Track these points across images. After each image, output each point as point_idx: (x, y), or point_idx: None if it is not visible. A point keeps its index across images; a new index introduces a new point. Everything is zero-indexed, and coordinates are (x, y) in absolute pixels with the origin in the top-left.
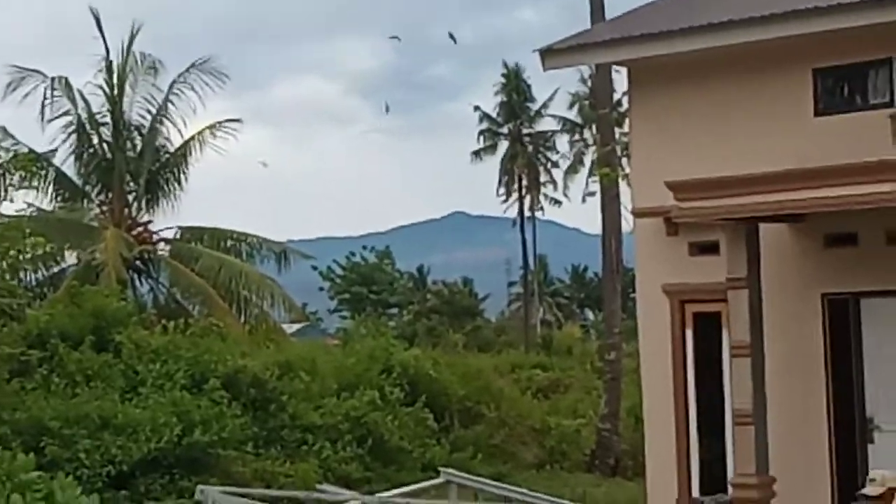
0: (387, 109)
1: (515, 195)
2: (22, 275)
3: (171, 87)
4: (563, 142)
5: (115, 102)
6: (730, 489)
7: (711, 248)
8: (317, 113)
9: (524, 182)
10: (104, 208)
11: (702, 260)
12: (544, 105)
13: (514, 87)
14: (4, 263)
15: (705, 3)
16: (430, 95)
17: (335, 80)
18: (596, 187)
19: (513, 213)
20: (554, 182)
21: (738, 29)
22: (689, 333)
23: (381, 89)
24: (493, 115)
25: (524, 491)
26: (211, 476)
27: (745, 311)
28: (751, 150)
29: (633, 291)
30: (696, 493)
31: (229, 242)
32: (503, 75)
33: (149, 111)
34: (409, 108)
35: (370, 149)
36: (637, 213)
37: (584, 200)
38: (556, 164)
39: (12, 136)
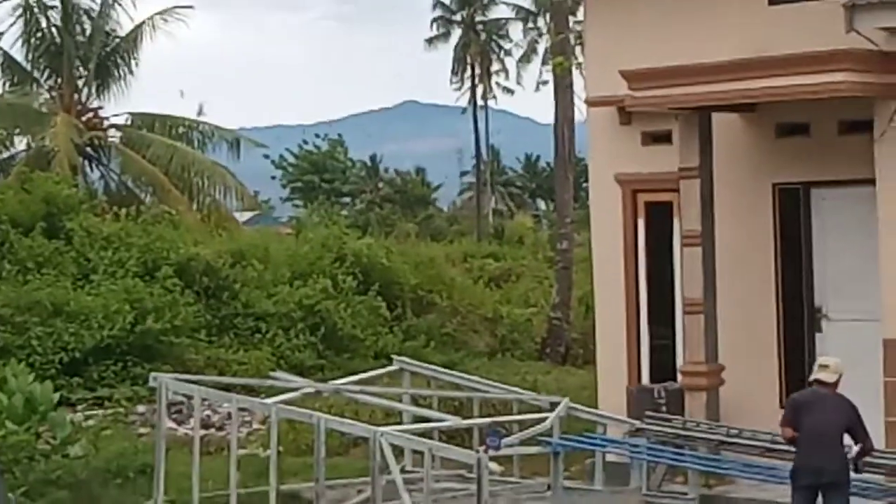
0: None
1: (468, 84)
2: None
3: None
4: (516, 30)
5: None
6: (679, 377)
7: (664, 138)
8: None
9: (477, 71)
10: (54, 93)
11: (654, 149)
12: None
13: None
14: None
15: None
16: None
17: None
18: (549, 76)
19: (465, 102)
20: (506, 71)
21: None
22: (640, 223)
23: None
24: (447, 2)
25: (476, 378)
26: (164, 363)
27: (696, 200)
28: (705, 38)
29: (586, 181)
30: (645, 380)
31: (181, 129)
32: None
33: None
34: None
35: (322, 35)
36: (590, 103)
37: (537, 89)
38: (508, 53)
39: None
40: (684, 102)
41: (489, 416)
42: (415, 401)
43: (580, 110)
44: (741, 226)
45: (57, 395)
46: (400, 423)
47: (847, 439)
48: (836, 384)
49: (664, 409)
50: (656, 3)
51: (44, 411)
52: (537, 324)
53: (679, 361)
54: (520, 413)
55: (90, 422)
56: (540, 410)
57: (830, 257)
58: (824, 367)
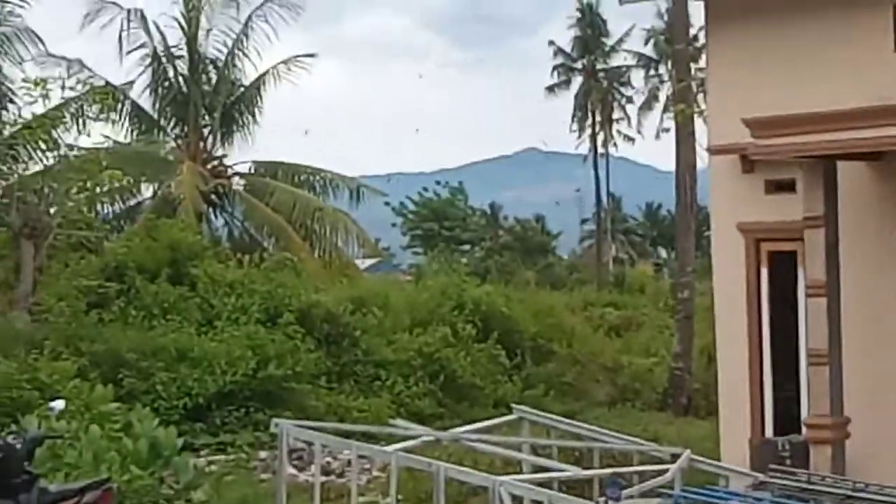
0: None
1: (588, 131)
2: (99, 207)
3: (247, 20)
4: (637, 77)
5: (190, 35)
6: (804, 430)
7: (788, 186)
8: (389, 47)
9: (597, 118)
10: (180, 142)
11: (778, 198)
12: (620, 40)
13: (589, 21)
14: (82, 196)
15: None
16: (502, 30)
17: (407, 13)
18: (670, 124)
19: (585, 149)
20: (628, 118)
21: None
22: (764, 272)
23: (453, 24)
24: (568, 50)
25: (596, 429)
26: (285, 409)
27: (821, 250)
28: (829, 86)
29: (707, 230)
30: (769, 433)
31: (303, 177)
32: (578, 10)
33: (224, 44)
34: (481, 43)
35: (443, 84)
36: (712, 151)
37: (658, 137)
38: (630, 100)
39: (88, 69)
40: (809, 151)
41: (609, 466)
42: (534, 450)
43: (702, 158)
44: (867, 276)
45: (180, 441)
46: (519, 472)
47: None
48: None
49: (788, 462)
50: (779, 51)
51: (167, 456)
52: (658, 374)
53: (804, 414)
54: (640, 464)
55: (213, 467)
56: (661, 462)
57: None
58: None
